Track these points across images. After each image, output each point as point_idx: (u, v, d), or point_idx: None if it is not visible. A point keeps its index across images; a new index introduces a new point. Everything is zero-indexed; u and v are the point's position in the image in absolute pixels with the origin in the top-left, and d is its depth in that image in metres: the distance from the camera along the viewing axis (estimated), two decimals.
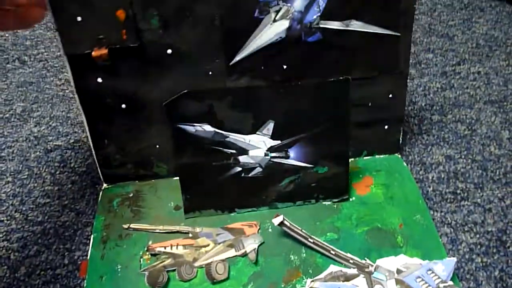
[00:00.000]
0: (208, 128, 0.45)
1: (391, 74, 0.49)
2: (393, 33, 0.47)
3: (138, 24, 0.42)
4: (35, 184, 0.53)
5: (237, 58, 0.45)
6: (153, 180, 0.51)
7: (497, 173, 0.51)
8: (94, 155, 0.49)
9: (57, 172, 0.54)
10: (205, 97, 0.44)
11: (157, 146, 0.49)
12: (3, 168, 0.54)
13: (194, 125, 0.45)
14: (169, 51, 0.44)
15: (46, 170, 0.54)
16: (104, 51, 0.42)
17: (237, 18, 0.44)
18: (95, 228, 0.47)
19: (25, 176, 0.53)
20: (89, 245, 0.46)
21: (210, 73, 0.46)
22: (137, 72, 0.45)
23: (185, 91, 0.43)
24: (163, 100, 0.44)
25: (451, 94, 0.61)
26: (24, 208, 0.50)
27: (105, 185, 0.51)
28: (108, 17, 0.41)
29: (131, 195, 0.50)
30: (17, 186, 0.52)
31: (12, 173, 0.54)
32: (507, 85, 0.62)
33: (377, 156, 0.53)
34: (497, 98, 0.60)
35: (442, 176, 0.52)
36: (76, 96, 0.46)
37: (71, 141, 0.57)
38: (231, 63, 0.45)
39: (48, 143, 0.57)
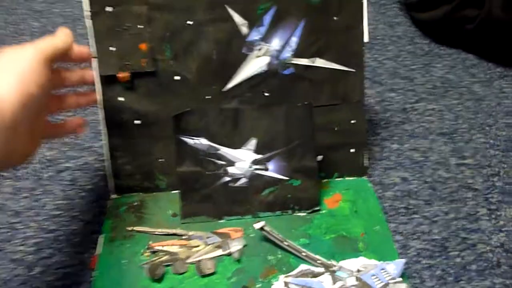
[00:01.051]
0: (204, 141, 0.55)
1: (350, 103, 0.59)
2: (349, 69, 0.57)
3: (154, 54, 0.54)
4: (48, 199, 0.61)
5: (229, 85, 0.56)
6: (154, 193, 0.59)
7: (444, 192, 0.60)
8: (109, 165, 0.58)
9: (67, 189, 0.62)
10: (203, 115, 0.54)
11: (160, 160, 0.58)
12: (19, 186, 0.63)
13: (193, 138, 0.55)
14: (177, 77, 0.56)
15: (58, 187, 0.63)
16: (127, 74, 0.54)
17: (229, 54, 0.55)
18: (104, 230, 0.55)
19: (39, 192, 0.62)
20: (95, 248, 0.54)
21: (208, 97, 0.56)
22: (151, 94, 0.56)
23: (188, 109, 0.54)
24: (169, 118, 0.54)
25: (409, 127, 0.70)
26: (38, 219, 0.58)
27: (113, 195, 0.60)
28: (133, 48, 0.54)
29: (135, 203, 0.58)
30: (32, 200, 0.61)
31: (27, 190, 0.62)
32: (457, 120, 0.71)
33: (346, 178, 0.61)
34: (448, 130, 0.69)
35: (398, 194, 0.60)
36: (101, 111, 0.56)
37: (79, 163, 0.66)
38: (224, 90, 0.56)
39: (59, 165, 0.66)
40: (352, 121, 0.59)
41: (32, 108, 0.42)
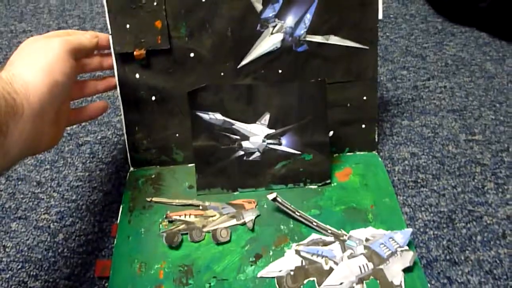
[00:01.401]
0: (219, 116, 0.56)
1: (363, 80, 0.60)
2: (363, 46, 0.59)
3: (170, 32, 0.56)
4: (69, 171, 0.64)
5: (243, 62, 0.58)
6: (171, 166, 0.62)
7: (452, 167, 0.62)
8: (126, 139, 0.60)
9: (87, 162, 0.65)
10: (218, 91, 0.56)
11: (177, 135, 0.60)
12: (42, 158, 0.66)
13: (208, 113, 0.56)
14: (192, 54, 0.57)
15: (78, 160, 0.66)
16: (143, 51, 0.56)
17: (243, 31, 0.57)
18: (123, 200, 0.58)
19: (61, 165, 0.65)
20: (114, 217, 0.57)
21: (222, 74, 0.58)
22: (166, 70, 0.58)
23: (203, 85, 0.56)
24: (186, 95, 0.56)
25: (420, 104, 0.72)
26: (60, 189, 0.61)
27: (132, 168, 0.62)
28: (149, 26, 0.55)
29: (153, 176, 0.60)
30: (54, 172, 0.64)
31: (49, 162, 0.66)
32: (468, 97, 0.73)
33: (357, 153, 0.63)
34: (459, 107, 0.71)
35: (407, 168, 0.62)
36: (118, 88, 0.58)
37: (98, 137, 0.69)
38: (238, 67, 0.58)
39: (80, 138, 0.69)
40: (364, 98, 0.61)
41: (58, 95, 0.44)
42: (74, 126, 0.71)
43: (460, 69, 0.79)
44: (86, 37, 0.50)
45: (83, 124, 0.71)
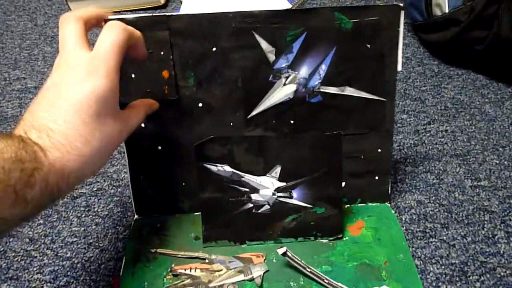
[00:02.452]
0: (227, 168, 0.56)
1: (379, 132, 0.59)
2: (379, 98, 0.58)
3: (177, 82, 0.56)
4: (64, 226, 0.62)
5: (254, 113, 0.57)
6: (177, 215, 0.61)
7: (460, 215, 0.61)
8: (131, 187, 0.60)
9: (83, 215, 0.64)
10: (227, 142, 0.55)
11: (183, 183, 0.59)
12: None
13: (216, 165, 0.56)
14: (200, 104, 0.57)
15: (73, 213, 0.64)
16: None
17: (255, 81, 0.56)
18: (126, 251, 0.57)
19: (55, 219, 0.63)
20: (111, 276, 0.55)
21: (232, 124, 0.58)
22: (174, 120, 0.57)
23: (211, 136, 0.55)
24: (193, 144, 0.55)
25: (422, 149, 0.72)
26: (54, 246, 0.59)
27: (136, 216, 0.61)
28: (155, 76, 0.55)
29: (158, 225, 0.60)
30: (47, 227, 0.62)
31: (43, 216, 0.63)
32: (470, 141, 0.73)
33: (369, 204, 0.62)
34: (462, 152, 0.71)
35: (414, 217, 0.61)
36: None
37: (94, 189, 0.68)
38: (248, 117, 0.58)
39: (74, 191, 0.67)
40: (379, 150, 0.61)
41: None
42: None
43: (460, 112, 0.80)
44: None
45: None
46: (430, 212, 0.63)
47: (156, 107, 0.54)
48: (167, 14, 0.54)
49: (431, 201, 0.65)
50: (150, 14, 0.54)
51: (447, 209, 0.64)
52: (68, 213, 0.65)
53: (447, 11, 0.88)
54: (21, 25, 1.10)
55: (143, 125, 0.57)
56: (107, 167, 0.71)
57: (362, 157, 0.61)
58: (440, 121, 0.78)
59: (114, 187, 0.68)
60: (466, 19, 0.83)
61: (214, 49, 0.56)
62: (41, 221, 0.64)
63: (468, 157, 0.72)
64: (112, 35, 0.44)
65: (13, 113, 0.84)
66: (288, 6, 1.10)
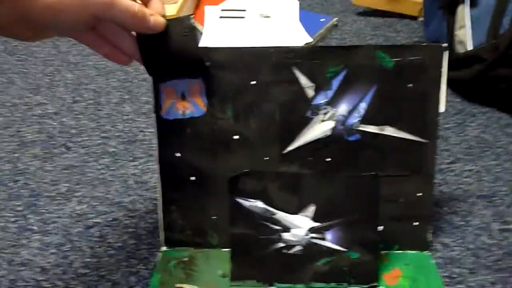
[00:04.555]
0: (260, 204, 0.57)
1: (419, 175, 0.59)
2: (421, 139, 0.59)
3: (215, 113, 0.58)
4: (76, 256, 0.62)
5: (289, 148, 0.58)
6: (205, 249, 0.61)
7: (489, 260, 0.61)
8: (161, 217, 0.61)
9: (96, 246, 0.63)
10: (261, 177, 0.56)
11: (214, 217, 0.60)
12: (48, 241, 0.64)
13: (249, 200, 0.57)
14: (236, 137, 0.58)
15: (86, 244, 0.64)
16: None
17: (292, 116, 0.58)
18: (152, 283, 0.57)
19: (68, 248, 0.63)
20: None
21: (267, 158, 0.59)
22: (209, 152, 0.59)
23: (246, 170, 0.57)
24: (226, 177, 0.56)
25: (447, 189, 0.72)
26: (65, 277, 0.59)
27: (164, 247, 0.62)
28: None
29: (186, 259, 0.60)
30: (60, 257, 0.62)
31: (56, 246, 0.64)
32: (496, 182, 0.74)
33: (407, 251, 0.61)
34: (488, 193, 0.71)
35: (440, 261, 0.61)
36: (157, 165, 0.59)
37: (109, 219, 0.68)
38: (284, 152, 0.59)
39: (89, 220, 0.68)
40: (419, 194, 0.61)
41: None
42: (84, 206, 0.71)
43: (485, 152, 0.81)
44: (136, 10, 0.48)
45: (93, 204, 0.70)
46: (457, 256, 0.63)
47: (160, 20, 0.52)
48: (208, 46, 0.56)
49: (457, 244, 0.65)
50: None
51: (474, 253, 0.64)
52: (82, 243, 0.65)
53: (470, 48, 0.90)
54: (45, 52, 1.15)
55: (178, 154, 0.59)
56: (122, 196, 0.72)
57: (401, 200, 0.61)
58: (464, 160, 0.79)
59: (129, 218, 0.69)
60: (490, 57, 0.85)
61: (253, 82, 0.57)
62: (54, 250, 0.64)
63: (495, 198, 0.72)
64: None
65: (32, 138, 0.86)
66: (310, 39, 1.12)
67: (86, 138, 0.85)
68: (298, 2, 1.23)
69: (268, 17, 1.20)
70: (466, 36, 0.92)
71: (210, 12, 1.21)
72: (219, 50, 0.56)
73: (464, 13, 0.93)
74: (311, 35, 1.14)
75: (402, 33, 1.23)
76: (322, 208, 0.57)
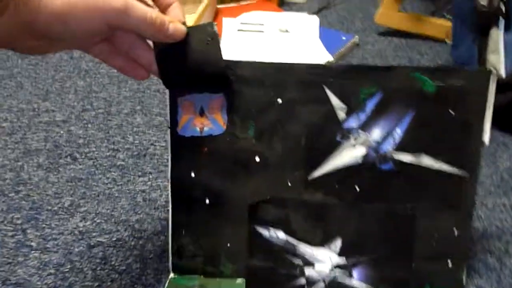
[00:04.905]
0: (281, 235, 0.53)
1: (456, 211, 0.55)
2: (460, 172, 0.54)
3: (236, 131, 0.54)
4: (76, 279, 0.58)
5: (315, 174, 0.54)
6: (217, 279, 0.57)
7: None
8: (170, 242, 0.56)
9: (98, 268, 0.59)
10: (284, 205, 0.53)
11: (228, 244, 0.55)
12: (47, 259, 0.60)
13: (269, 229, 0.53)
14: (258, 158, 0.54)
15: (88, 265, 0.60)
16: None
17: (320, 139, 0.54)
18: None
19: (67, 269, 0.59)
20: None
21: (289, 184, 0.54)
22: (227, 173, 0.55)
23: (268, 197, 0.53)
24: (243, 201, 0.53)
25: (479, 224, 0.68)
26: None
27: (172, 274, 0.57)
28: None
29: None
30: (59, 278, 0.58)
31: (55, 265, 0.59)
32: None
33: None
34: None
35: None
36: (169, 185, 0.55)
37: (114, 239, 0.63)
38: (309, 178, 0.54)
39: (92, 238, 0.63)
40: (455, 232, 0.56)
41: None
42: (88, 222, 0.66)
43: None
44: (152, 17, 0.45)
45: (97, 221, 0.66)
46: None
47: (180, 28, 0.48)
48: (232, 59, 0.53)
49: None
50: None
51: None
52: (83, 264, 0.61)
53: (503, 74, 0.86)
54: (56, 56, 1.11)
55: (193, 174, 0.55)
56: (129, 215, 0.67)
57: (435, 237, 0.56)
58: (497, 194, 0.75)
59: (135, 239, 0.64)
60: None
61: (279, 100, 0.54)
62: (52, 270, 0.59)
63: None
64: None
65: (38, 146, 0.82)
66: (330, 57, 1.09)
67: (94, 149, 0.81)
68: (318, 19, 1.20)
69: (287, 32, 1.17)
70: (499, 61, 0.87)
71: (228, 24, 1.18)
72: (244, 64, 0.53)
73: (497, 37, 0.88)
74: (331, 53, 1.11)
75: (426, 55, 1.19)
76: (350, 242, 0.53)
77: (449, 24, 1.17)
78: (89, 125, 0.87)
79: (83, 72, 1.06)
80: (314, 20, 1.20)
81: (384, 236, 0.53)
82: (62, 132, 0.85)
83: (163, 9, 0.49)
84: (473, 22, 0.92)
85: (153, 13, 0.44)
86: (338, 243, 0.53)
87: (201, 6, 1.18)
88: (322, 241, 0.53)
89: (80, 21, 0.42)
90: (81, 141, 0.83)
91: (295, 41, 1.14)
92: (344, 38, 1.20)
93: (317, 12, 1.39)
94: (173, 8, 0.49)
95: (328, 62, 1.08)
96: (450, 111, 0.54)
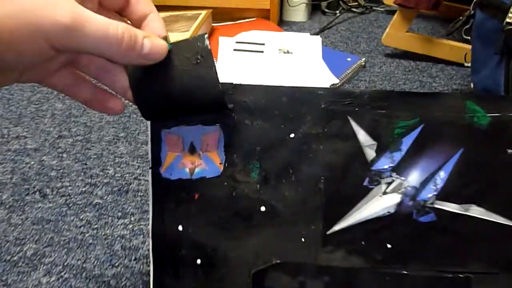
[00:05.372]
0: None
1: None
2: None
3: (236, 174, 0.44)
4: None
5: (336, 227, 0.44)
6: None
7: None
8: None
9: None
10: (298, 272, 0.42)
11: None
12: None
13: None
14: (263, 208, 0.44)
15: None
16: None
17: (343, 184, 0.44)
18: None
19: None
20: None
21: (303, 239, 0.44)
22: (224, 225, 0.44)
23: (277, 261, 0.42)
24: (245, 264, 0.42)
25: None
26: None
27: None
28: None
29: None
30: None
31: None
32: None
33: None
34: None
35: None
36: (150, 240, 0.44)
37: None
38: (328, 232, 0.44)
39: None
40: None
41: None
42: (53, 278, 0.55)
43: None
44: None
45: (64, 276, 0.55)
46: None
47: (160, 45, 0.37)
48: (233, 82, 0.43)
49: None
50: None
51: None
52: None
53: None
54: None
55: (181, 228, 0.44)
56: (104, 267, 0.56)
57: None
58: None
59: None
60: None
61: (292, 135, 0.43)
62: None
63: None
64: None
65: (2, 179, 0.71)
66: (335, 80, 1.00)
67: (68, 184, 0.70)
68: (320, 39, 1.12)
69: (288, 52, 1.07)
70: None
71: (225, 43, 1.08)
72: (247, 88, 0.43)
73: None
74: (336, 75, 1.03)
75: (438, 79, 1.10)
76: None
77: (462, 45, 1.11)
78: (64, 155, 0.76)
79: (61, 94, 0.95)
80: (317, 40, 1.12)
81: None
82: (32, 162, 0.74)
83: (137, 23, 0.38)
84: (498, 44, 0.83)
85: (119, 27, 0.33)
86: None
87: (195, 23, 1.09)
88: None
89: (21, 47, 0.31)
90: (53, 173, 0.72)
91: (297, 62, 1.05)
92: (349, 59, 1.12)
93: (319, 32, 1.31)
94: (150, 20, 0.38)
95: (332, 85, 0.98)
96: (508, 150, 0.44)
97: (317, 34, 1.28)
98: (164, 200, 0.43)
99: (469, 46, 0.97)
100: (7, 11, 0.30)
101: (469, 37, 0.96)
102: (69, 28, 0.31)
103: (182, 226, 0.43)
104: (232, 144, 0.43)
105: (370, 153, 0.43)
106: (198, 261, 0.44)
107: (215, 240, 0.44)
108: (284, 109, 0.43)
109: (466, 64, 1.04)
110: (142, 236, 0.60)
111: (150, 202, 0.43)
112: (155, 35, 0.36)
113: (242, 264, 0.42)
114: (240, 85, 0.43)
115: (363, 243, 0.43)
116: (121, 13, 0.38)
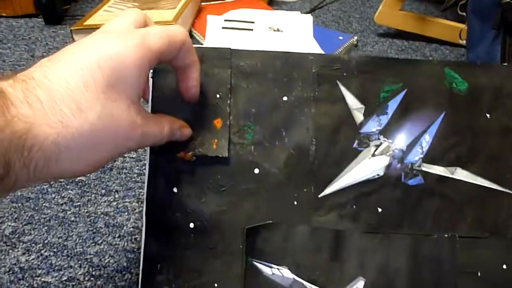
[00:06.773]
0: (286, 273, 0.43)
1: (502, 239, 0.47)
2: (503, 189, 0.47)
3: (231, 136, 0.46)
4: None
5: (327, 191, 0.46)
6: None
7: None
8: (140, 282, 0.45)
9: None
10: (289, 233, 0.44)
11: (216, 284, 0.45)
12: None
13: (271, 266, 0.44)
14: (257, 170, 0.46)
15: None
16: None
17: (334, 147, 0.46)
18: None
19: None
20: None
21: (296, 202, 0.46)
22: (217, 189, 0.46)
23: (271, 222, 0.44)
24: (238, 226, 0.44)
25: None
26: None
27: None
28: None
29: None
30: None
31: None
32: None
33: None
34: None
35: None
36: (144, 203, 0.45)
37: (64, 278, 0.53)
38: (320, 195, 0.46)
39: (36, 278, 0.53)
40: (503, 266, 0.47)
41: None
42: (32, 256, 0.55)
43: None
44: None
45: (45, 254, 0.56)
46: None
47: (186, 133, 0.44)
48: (231, 47, 0.46)
49: None
50: (210, 46, 0.47)
51: None
52: None
53: None
54: (16, 55, 1.00)
55: (176, 190, 0.45)
56: (87, 245, 0.56)
57: (478, 274, 0.47)
58: None
59: (93, 278, 0.53)
60: None
61: (284, 98, 0.46)
62: None
63: None
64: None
65: None
66: None
67: None
68: (311, 17, 1.12)
69: (278, 31, 1.06)
70: None
71: (213, 22, 1.07)
72: (243, 53, 0.46)
73: None
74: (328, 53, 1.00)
75: (432, 58, 1.09)
76: (375, 282, 0.44)
77: (456, 24, 1.10)
78: None
79: None
80: (308, 19, 1.12)
81: (418, 275, 0.44)
82: None
83: (183, 69, 0.43)
84: (495, 19, 0.83)
85: (165, 129, 0.41)
86: (360, 285, 0.44)
87: (181, 1, 1.07)
88: (340, 283, 0.44)
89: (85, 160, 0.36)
90: None
91: (288, 40, 1.05)
92: (341, 38, 1.12)
93: (310, 12, 1.30)
94: (193, 70, 0.43)
95: None
96: (486, 114, 0.47)
97: (307, 13, 1.27)
98: (160, 161, 0.45)
99: (463, 25, 0.97)
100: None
101: (464, 13, 0.95)
102: (138, 142, 0.38)
103: (177, 189, 0.45)
104: (229, 106, 0.46)
105: (359, 116, 0.46)
106: (191, 224, 0.45)
107: (208, 205, 0.45)
108: (278, 73, 0.46)
109: (461, 42, 1.04)
110: (126, 213, 0.61)
111: (147, 162, 0.45)
112: (184, 126, 0.43)
113: (236, 228, 0.44)
114: (237, 50, 0.46)
115: (354, 207, 0.46)
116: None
